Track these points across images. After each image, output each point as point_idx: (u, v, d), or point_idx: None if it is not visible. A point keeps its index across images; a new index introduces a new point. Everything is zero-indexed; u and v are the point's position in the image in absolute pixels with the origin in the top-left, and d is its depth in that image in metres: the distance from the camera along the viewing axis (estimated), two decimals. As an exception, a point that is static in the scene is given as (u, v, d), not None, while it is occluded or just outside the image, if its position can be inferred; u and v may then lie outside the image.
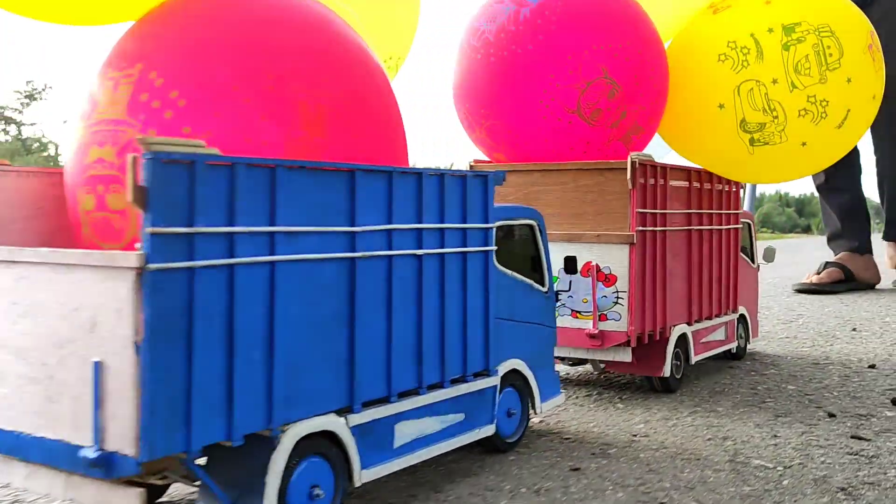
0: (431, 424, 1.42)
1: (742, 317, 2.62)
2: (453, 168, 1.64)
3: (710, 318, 2.35)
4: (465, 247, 1.48)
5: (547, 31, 1.95)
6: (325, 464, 1.22)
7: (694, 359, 2.25)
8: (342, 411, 1.25)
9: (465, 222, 1.48)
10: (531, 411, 1.71)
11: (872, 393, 2.04)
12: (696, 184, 2.26)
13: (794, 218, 32.49)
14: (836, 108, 2.06)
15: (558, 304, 2.04)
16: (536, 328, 1.73)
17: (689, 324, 2.23)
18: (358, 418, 1.26)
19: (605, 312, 2.00)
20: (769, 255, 2.91)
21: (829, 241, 4.60)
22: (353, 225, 1.25)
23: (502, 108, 2.01)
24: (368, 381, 1.28)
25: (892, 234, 4.69)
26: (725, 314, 2.45)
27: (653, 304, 2.05)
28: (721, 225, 2.39)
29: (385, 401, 1.33)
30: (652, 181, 2.04)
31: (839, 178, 4.47)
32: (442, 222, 1.43)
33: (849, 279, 4.42)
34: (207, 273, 1.05)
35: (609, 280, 1.99)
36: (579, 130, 1.99)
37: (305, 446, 1.18)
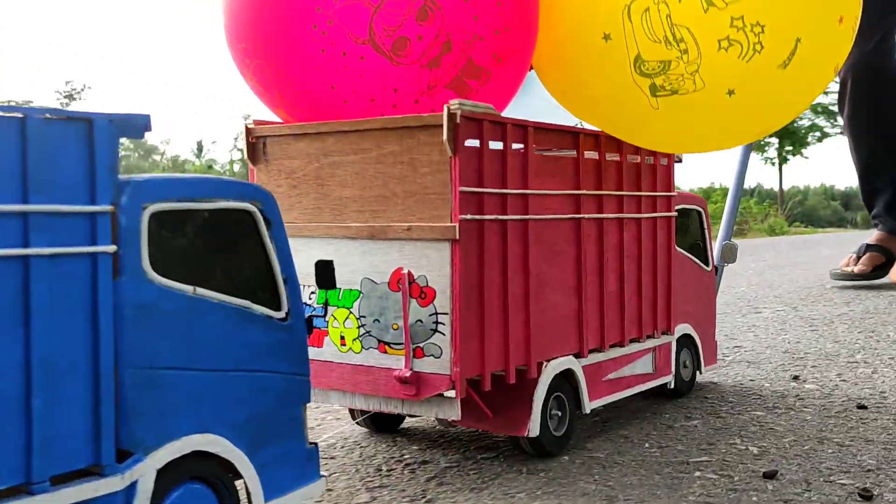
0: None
1: (686, 338, 1.93)
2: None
3: (621, 343, 1.67)
4: (27, 246, 0.82)
5: (320, -82, 1.28)
6: None
7: (589, 405, 1.56)
8: None
9: (25, 201, 0.82)
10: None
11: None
12: (590, 153, 1.57)
13: (839, 211, 31.18)
14: (777, 36, 1.37)
15: (362, 331, 1.37)
16: (257, 379, 1.07)
17: (578, 355, 1.55)
18: None
19: (420, 345, 1.32)
20: (729, 254, 2.21)
21: (879, 214, 3.80)
22: None
23: (265, 39, 1.34)
24: None
25: None
26: (651, 337, 1.76)
27: (500, 329, 1.37)
28: (640, 212, 1.70)
29: None
30: (498, 145, 1.36)
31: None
32: (-54, 202, 0.77)
33: (889, 262, 3.69)
34: None
35: (425, 296, 1.32)
36: (379, 71, 1.32)
37: None
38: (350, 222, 1.38)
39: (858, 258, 3.81)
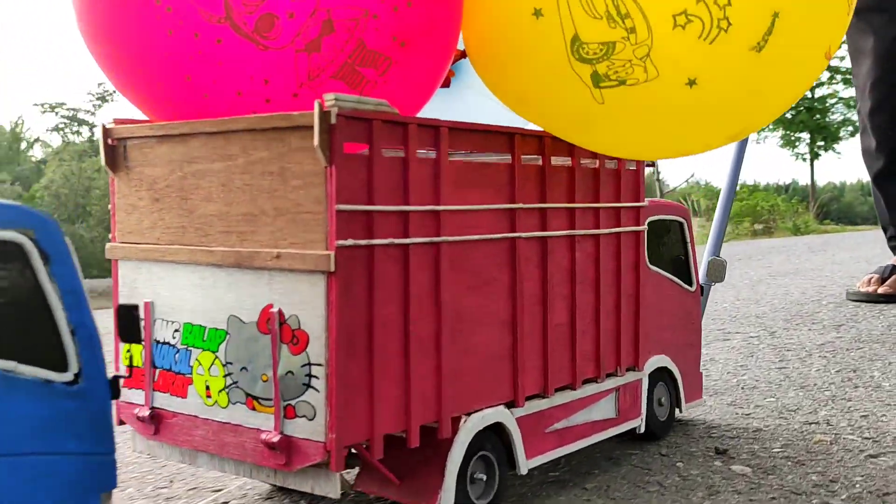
0: None
1: (662, 372, 1.64)
2: None
3: (571, 386, 1.39)
4: None
5: None
6: None
7: (526, 464, 1.29)
8: None
9: None
10: None
11: None
12: (531, 157, 1.30)
13: (877, 208, 30.50)
14: (748, 9, 1.08)
15: (228, 380, 1.11)
16: (30, 465, 0.80)
17: (512, 404, 1.27)
18: None
19: (292, 402, 1.05)
20: (716, 273, 1.92)
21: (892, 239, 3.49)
22: None
23: (104, 19, 1.08)
24: None
25: None
26: (612, 375, 1.48)
27: (398, 380, 1.09)
28: (598, 228, 1.42)
29: None
30: (397, 152, 1.09)
31: None
32: None
33: None
34: None
35: (297, 341, 1.04)
36: (243, 58, 1.05)
37: None
38: (215, 246, 1.11)
39: (883, 280, 3.46)
